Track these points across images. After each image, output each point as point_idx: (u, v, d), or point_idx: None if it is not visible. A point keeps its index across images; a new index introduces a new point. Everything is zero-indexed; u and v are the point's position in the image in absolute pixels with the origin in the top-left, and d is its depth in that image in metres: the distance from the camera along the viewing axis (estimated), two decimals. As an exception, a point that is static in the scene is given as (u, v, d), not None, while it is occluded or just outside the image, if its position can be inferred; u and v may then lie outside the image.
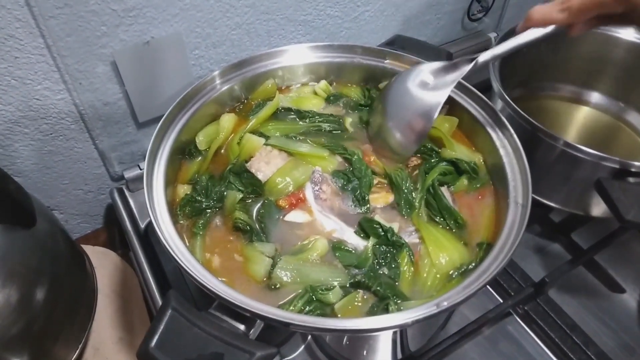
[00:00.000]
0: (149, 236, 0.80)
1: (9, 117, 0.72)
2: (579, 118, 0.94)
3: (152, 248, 0.78)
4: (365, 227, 0.59)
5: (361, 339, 0.59)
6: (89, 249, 0.84)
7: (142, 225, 0.82)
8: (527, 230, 0.87)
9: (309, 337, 0.58)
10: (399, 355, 0.63)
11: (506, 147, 0.63)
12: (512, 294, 0.74)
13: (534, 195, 0.78)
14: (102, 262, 0.86)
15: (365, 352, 0.61)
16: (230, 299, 0.47)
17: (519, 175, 0.60)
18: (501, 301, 0.75)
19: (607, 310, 0.78)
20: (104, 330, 0.81)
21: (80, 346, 0.73)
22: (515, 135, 0.62)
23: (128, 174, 0.84)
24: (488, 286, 0.78)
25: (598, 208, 0.77)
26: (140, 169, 0.85)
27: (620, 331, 0.76)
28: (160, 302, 0.72)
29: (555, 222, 0.88)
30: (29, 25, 0.65)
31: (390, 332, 0.57)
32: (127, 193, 0.86)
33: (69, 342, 0.72)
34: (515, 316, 0.76)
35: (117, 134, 0.82)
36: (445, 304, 0.48)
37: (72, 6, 0.66)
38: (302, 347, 0.61)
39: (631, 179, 0.67)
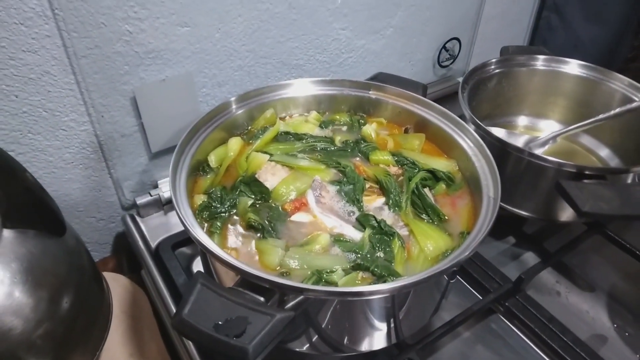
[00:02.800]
0: (160, 254, 0.86)
1: (36, 146, 0.80)
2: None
3: (164, 265, 0.85)
4: (362, 221, 0.68)
5: (360, 322, 0.66)
6: (100, 273, 0.90)
7: (153, 246, 0.88)
8: (504, 241, 0.99)
9: (313, 323, 0.65)
10: (393, 340, 0.69)
11: (473, 149, 0.74)
12: (492, 291, 0.82)
13: (508, 207, 0.90)
14: (113, 285, 0.91)
15: (363, 336, 0.68)
16: (253, 272, 0.54)
17: (489, 174, 0.70)
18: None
19: (580, 307, 0.86)
20: (115, 348, 0.85)
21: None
22: (479, 138, 0.74)
23: (140, 200, 0.92)
24: (471, 288, 0.87)
25: (563, 213, 0.87)
26: (151, 196, 0.92)
27: (593, 324, 0.84)
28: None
29: (528, 233, 0.98)
30: (63, 63, 0.76)
31: (386, 312, 0.65)
32: (138, 219, 0.93)
33: (86, 353, 0.76)
34: (498, 314, 0.83)
35: (130, 163, 0.91)
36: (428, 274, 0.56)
37: (101, 47, 0.77)
38: (307, 339, 0.67)
39: (586, 181, 0.78)
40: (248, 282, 0.55)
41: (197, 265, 0.87)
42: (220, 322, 0.51)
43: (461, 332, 0.81)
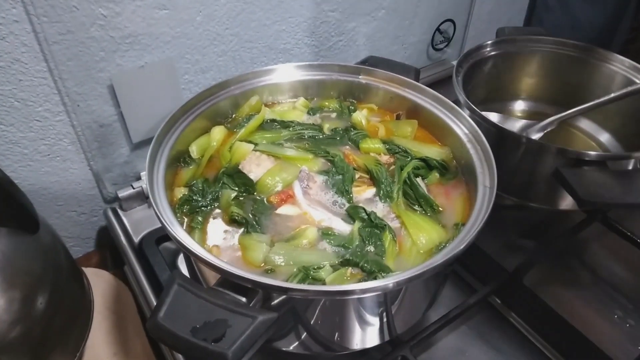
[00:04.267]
0: (143, 249, 0.83)
1: (9, 138, 0.76)
2: (537, 127, 1.03)
3: (147, 260, 0.81)
4: (351, 213, 0.65)
5: (352, 319, 0.62)
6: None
7: (137, 240, 0.85)
8: (502, 230, 0.95)
9: (301, 321, 0.62)
10: (387, 337, 0.66)
11: (468, 136, 0.71)
12: (489, 283, 0.79)
13: (505, 195, 0.87)
14: (96, 281, 0.88)
15: (354, 334, 0.65)
16: (234, 272, 0.51)
17: (484, 162, 0.67)
18: (481, 291, 0.80)
19: (580, 298, 0.84)
20: (99, 346, 0.82)
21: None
22: (474, 123, 0.70)
23: (122, 193, 0.88)
24: (468, 280, 0.84)
25: (562, 201, 0.84)
26: (134, 188, 0.89)
27: (593, 315, 0.81)
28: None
29: (526, 222, 0.95)
30: (33, 50, 0.71)
31: (378, 309, 0.61)
32: (120, 212, 0.90)
33: (66, 353, 0.73)
34: (495, 306, 0.80)
35: (111, 155, 0.87)
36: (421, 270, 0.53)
37: (74, 33, 0.72)
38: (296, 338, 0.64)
39: (586, 167, 0.75)
40: (229, 281, 0.52)
41: (182, 261, 0.84)
42: (198, 326, 0.48)
43: (457, 326, 0.78)
